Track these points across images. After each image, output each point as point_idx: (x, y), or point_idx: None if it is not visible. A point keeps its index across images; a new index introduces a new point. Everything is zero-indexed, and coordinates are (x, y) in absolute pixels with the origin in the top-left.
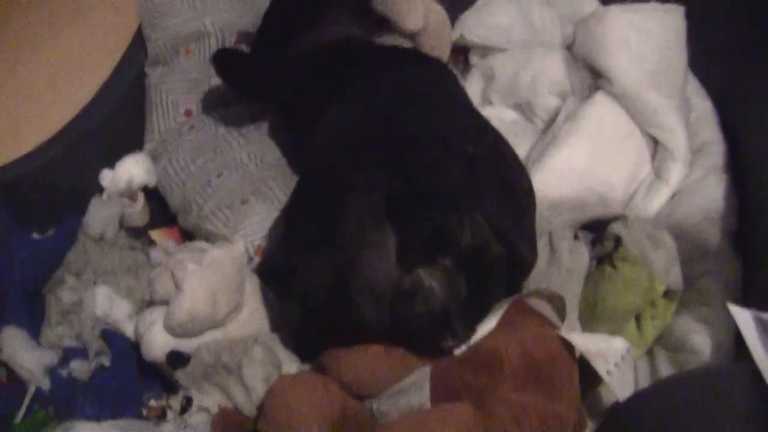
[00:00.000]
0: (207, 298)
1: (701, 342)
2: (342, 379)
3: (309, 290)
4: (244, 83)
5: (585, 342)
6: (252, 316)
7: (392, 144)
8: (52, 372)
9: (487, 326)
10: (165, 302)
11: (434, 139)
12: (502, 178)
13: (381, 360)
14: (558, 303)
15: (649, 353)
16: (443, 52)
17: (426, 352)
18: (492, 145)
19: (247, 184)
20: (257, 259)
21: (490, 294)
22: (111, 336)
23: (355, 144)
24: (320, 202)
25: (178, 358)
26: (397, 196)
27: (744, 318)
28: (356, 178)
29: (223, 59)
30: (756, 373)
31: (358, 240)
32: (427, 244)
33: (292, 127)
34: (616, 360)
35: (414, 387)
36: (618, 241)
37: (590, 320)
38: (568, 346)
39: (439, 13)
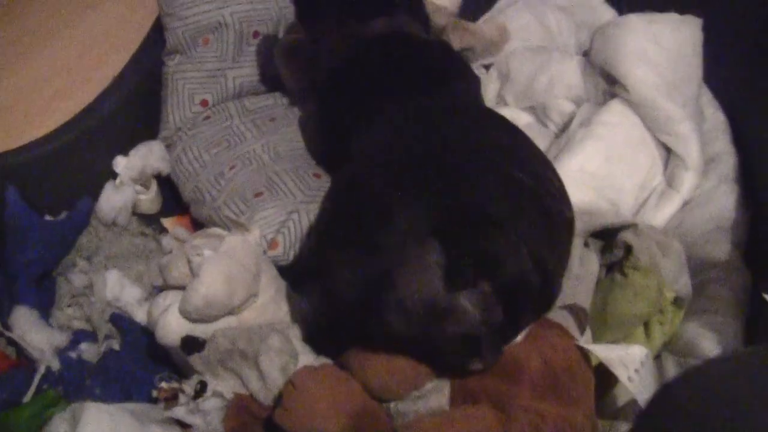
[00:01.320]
0: (224, 284)
1: (709, 347)
2: (366, 382)
3: (339, 293)
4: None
5: (604, 351)
6: (268, 305)
7: (440, 165)
8: (61, 353)
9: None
10: (179, 287)
11: (483, 165)
12: (546, 207)
13: (407, 369)
14: (581, 315)
15: (657, 358)
16: None
17: (451, 371)
18: (538, 171)
19: (261, 177)
20: (270, 253)
21: (523, 321)
22: (121, 320)
23: (402, 159)
24: (362, 206)
25: (193, 343)
26: (445, 219)
27: None
28: (404, 191)
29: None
30: None
31: (398, 253)
32: (474, 269)
33: (324, 118)
34: (636, 366)
35: (434, 391)
36: (628, 249)
37: (599, 327)
38: (586, 356)
39: None
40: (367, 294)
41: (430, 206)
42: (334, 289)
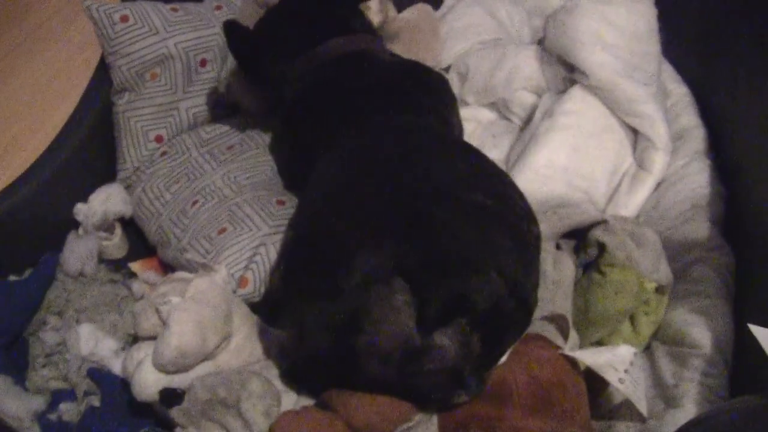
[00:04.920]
0: (195, 331)
1: (700, 335)
2: (351, 421)
3: (311, 342)
4: (255, 69)
5: (591, 356)
6: (243, 344)
7: (399, 199)
8: (41, 418)
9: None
10: (151, 338)
11: (443, 194)
12: (512, 227)
13: (392, 405)
14: (561, 322)
15: (647, 349)
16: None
17: (435, 405)
18: (501, 191)
19: (224, 212)
20: (240, 291)
21: (503, 346)
22: (99, 375)
23: (361, 193)
24: (323, 249)
25: (172, 396)
26: (409, 261)
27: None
28: (364, 230)
29: (234, 34)
30: None
31: (362, 295)
32: (445, 309)
33: (286, 138)
34: (625, 366)
35: (422, 423)
36: (602, 247)
37: (585, 327)
38: (574, 364)
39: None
40: (336, 340)
41: (392, 245)
42: (304, 334)
